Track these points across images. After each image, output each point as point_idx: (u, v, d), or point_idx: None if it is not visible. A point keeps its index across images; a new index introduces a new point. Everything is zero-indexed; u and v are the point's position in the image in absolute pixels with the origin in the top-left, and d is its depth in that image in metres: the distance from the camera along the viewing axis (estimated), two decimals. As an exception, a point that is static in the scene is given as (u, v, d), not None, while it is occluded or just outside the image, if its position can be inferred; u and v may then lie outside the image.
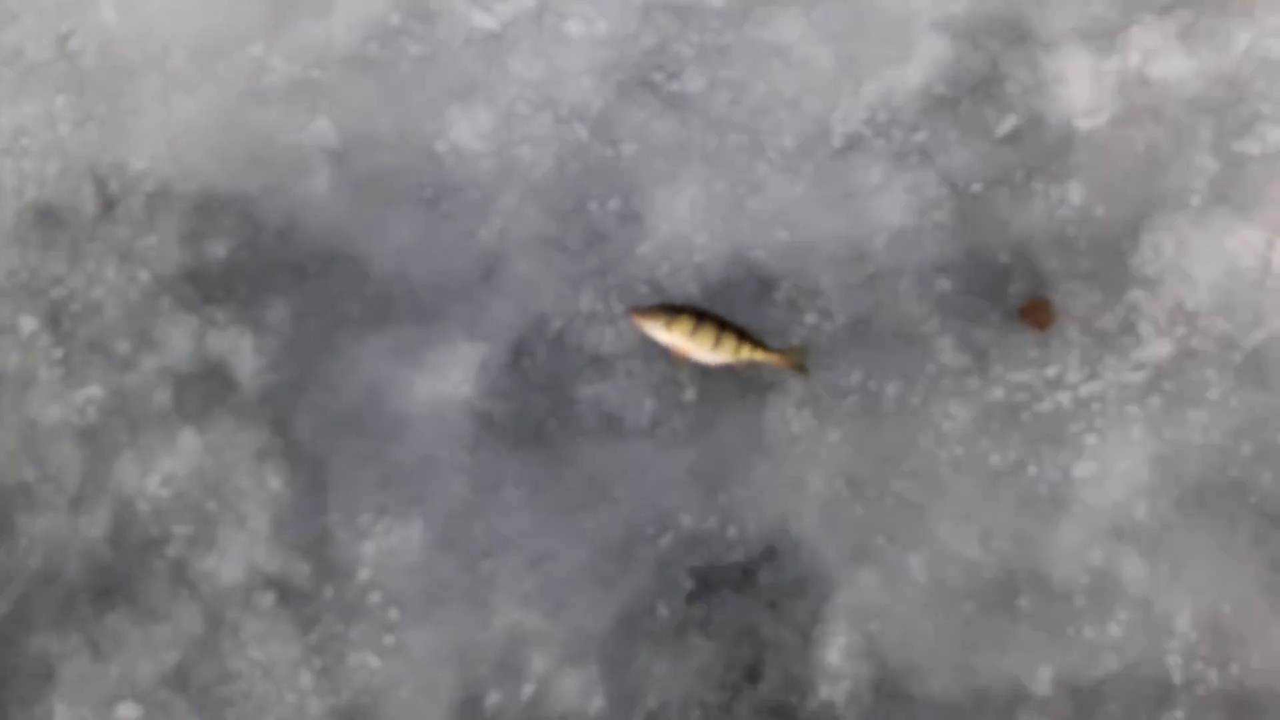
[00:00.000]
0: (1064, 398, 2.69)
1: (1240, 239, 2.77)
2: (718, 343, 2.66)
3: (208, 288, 2.87)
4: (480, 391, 2.77)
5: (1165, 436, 2.66)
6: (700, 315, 2.67)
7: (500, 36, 3.01)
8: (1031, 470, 2.66)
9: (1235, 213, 2.79)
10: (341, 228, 2.88)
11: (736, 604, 2.63)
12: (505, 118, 2.95)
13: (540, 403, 2.76)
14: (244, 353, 2.82)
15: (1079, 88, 2.90)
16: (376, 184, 2.91)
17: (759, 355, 2.67)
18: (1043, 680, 2.55)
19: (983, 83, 2.92)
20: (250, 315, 2.85)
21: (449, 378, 2.78)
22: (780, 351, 2.68)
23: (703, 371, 2.73)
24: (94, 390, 2.83)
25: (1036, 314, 2.75)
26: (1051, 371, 2.71)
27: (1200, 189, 2.81)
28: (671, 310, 2.68)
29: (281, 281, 2.86)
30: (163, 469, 2.78)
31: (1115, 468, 2.65)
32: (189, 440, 2.79)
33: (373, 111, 2.96)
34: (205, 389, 2.81)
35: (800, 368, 2.69)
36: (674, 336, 2.66)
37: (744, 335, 2.67)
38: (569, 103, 2.95)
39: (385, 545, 2.72)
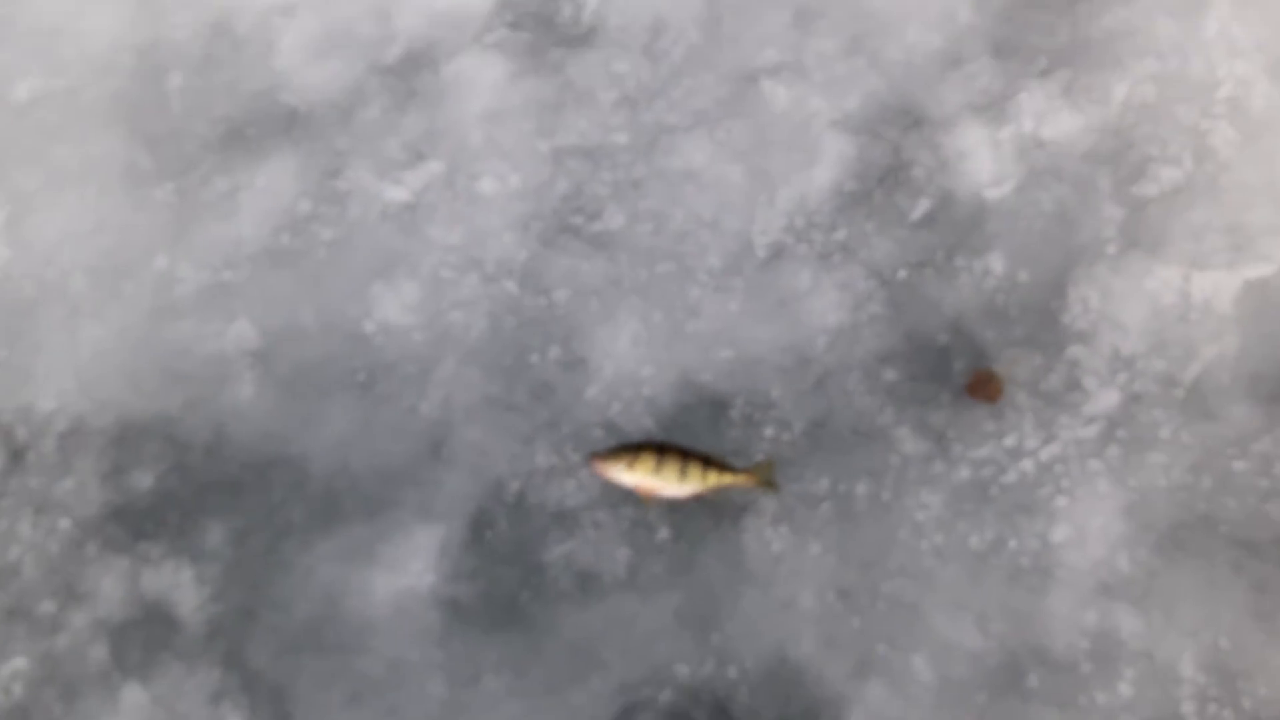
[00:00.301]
0: (1027, 465, 2.72)
1: (1158, 279, 2.84)
2: (684, 474, 2.64)
3: (136, 523, 2.77)
4: (444, 577, 2.70)
5: (1130, 484, 2.69)
6: (661, 449, 2.66)
7: (414, 206, 3.00)
8: (1011, 544, 2.67)
9: (1148, 254, 2.87)
10: (274, 431, 2.82)
11: (752, 740, 2.58)
12: (431, 286, 2.93)
13: (509, 576, 2.70)
14: (184, 587, 2.72)
15: (980, 161, 2.98)
16: (305, 378, 2.87)
17: (727, 478, 2.65)
18: (1067, 755, 2.53)
19: (889, 172, 2.99)
20: (186, 544, 2.74)
21: (408, 569, 2.71)
22: (747, 471, 2.67)
23: (672, 507, 2.71)
24: (18, 663, 2.68)
25: (984, 387, 2.78)
26: (1010, 441, 2.74)
27: (1112, 237, 2.88)
28: (632, 450, 2.66)
29: (216, 501, 2.78)
30: (110, 734, 2.64)
31: (1090, 525, 2.67)
32: (134, 696, 2.64)
33: (292, 304, 2.92)
34: (145, 635, 2.68)
35: (770, 483, 2.68)
36: (638, 476, 2.64)
37: (709, 461, 2.66)
38: (494, 260, 2.95)
39: (371, 761, 2.62)
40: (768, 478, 2.68)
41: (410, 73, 3.16)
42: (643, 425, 2.80)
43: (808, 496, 2.73)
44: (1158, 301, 2.83)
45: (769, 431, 2.78)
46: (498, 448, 2.79)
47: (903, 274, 2.89)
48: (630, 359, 2.86)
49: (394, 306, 2.92)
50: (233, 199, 3.04)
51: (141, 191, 3.08)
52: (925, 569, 2.66)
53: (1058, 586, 2.64)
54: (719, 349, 2.85)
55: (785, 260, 2.93)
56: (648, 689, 2.61)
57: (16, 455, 2.82)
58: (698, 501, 2.68)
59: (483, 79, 3.14)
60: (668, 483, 2.64)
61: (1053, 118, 3.00)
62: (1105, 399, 2.76)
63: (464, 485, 2.76)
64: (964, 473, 2.73)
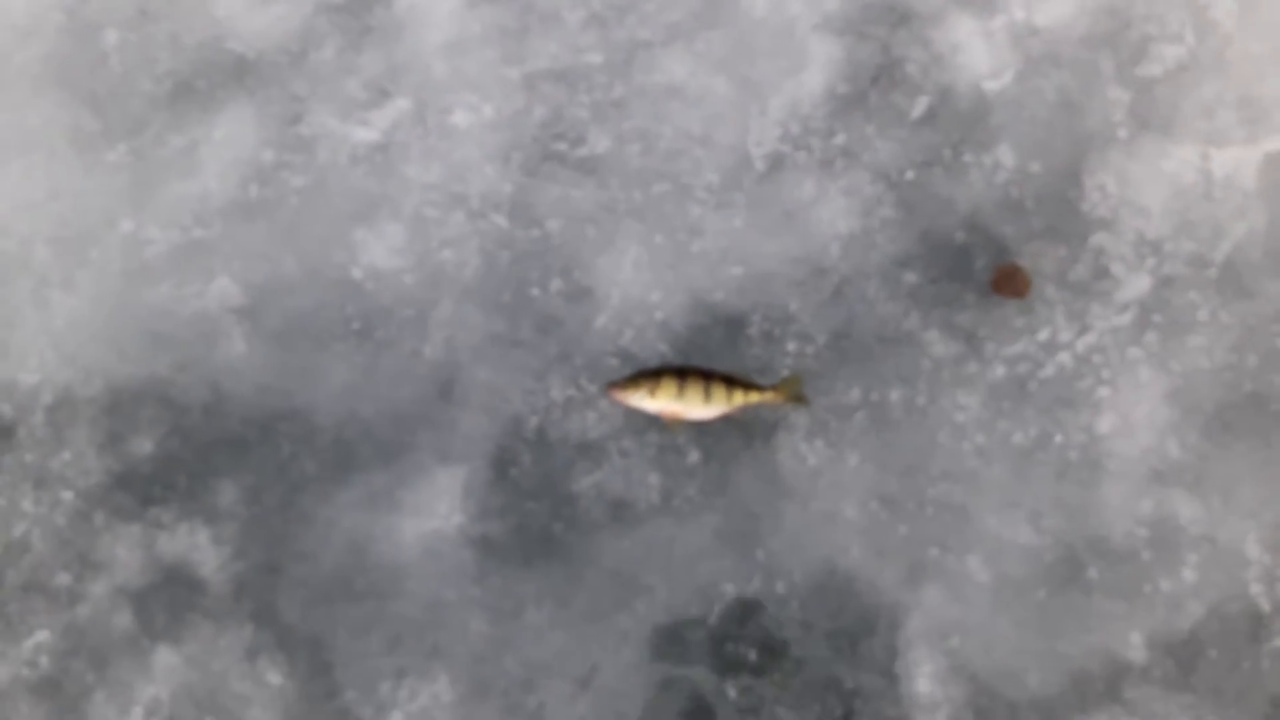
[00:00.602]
0: (1064, 358, 2.61)
1: (1175, 159, 2.75)
2: (708, 396, 2.50)
3: (143, 489, 2.58)
4: (472, 517, 2.54)
5: (1172, 369, 2.60)
6: (682, 373, 2.51)
7: (385, 146, 2.82)
8: (1057, 439, 2.56)
9: (1161, 135, 2.77)
10: (273, 385, 2.64)
11: (808, 662, 2.44)
12: (416, 227, 2.75)
13: (539, 510, 2.55)
14: (202, 549, 2.54)
15: (975, 53, 2.87)
16: (298, 330, 2.68)
17: (754, 397, 2.51)
18: (1136, 646, 2.43)
19: (882, 71, 2.86)
20: (199, 506, 2.57)
21: (435, 512, 2.55)
22: (774, 388, 2.53)
23: (700, 430, 2.56)
24: (41, 636, 2.51)
25: (1010, 282, 2.67)
26: (1043, 335, 2.63)
27: (1121, 120, 2.79)
28: (651, 375, 2.51)
29: (223, 461, 2.60)
30: (144, 699, 2.47)
31: (1135, 413, 2.57)
32: (166, 659, 2.49)
33: (273, 256, 2.73)
34: (169, 599, 2.52)
35: (799, 398, 2.54)
36: (661, 402, 2.49)
37: (732, 381, 2.51)
38: (478, 195, 2.78)
39: (414, 710, 2.46)
40: (796, 392, 2.55)
41: (361, 9, 2.97)
42: (658, 350, 2.65)
43: (840, 408, 2.60)
44: (1178, 182, 2.73)
45: (791, 346, 2.65)
46: (510, 385, 2.62)
47: (910, 174, 2.77)
48: (636, 284, 2.70)
49: (380, 250, 2.74)
50: (192, 155, 2.83)
51: (92, 155, 2.86)
52: (970, 470, 2.54)
53: (1109, 478, 2.53)
54: (728, 266, 2.71)
55: (786, 170, 2.79)
56: (695, 608, 2.47)
57: (5, 432, 2.61)
58: (725, 422, 2.54)
59: (439, 9, 2.95)
60: (692, 406, 2.49)
61: (1043, 3, 2.90)
62: (1136, 285, 2.66)
63: (480, 425, 2.59)
64: (999, 371, 2.61)
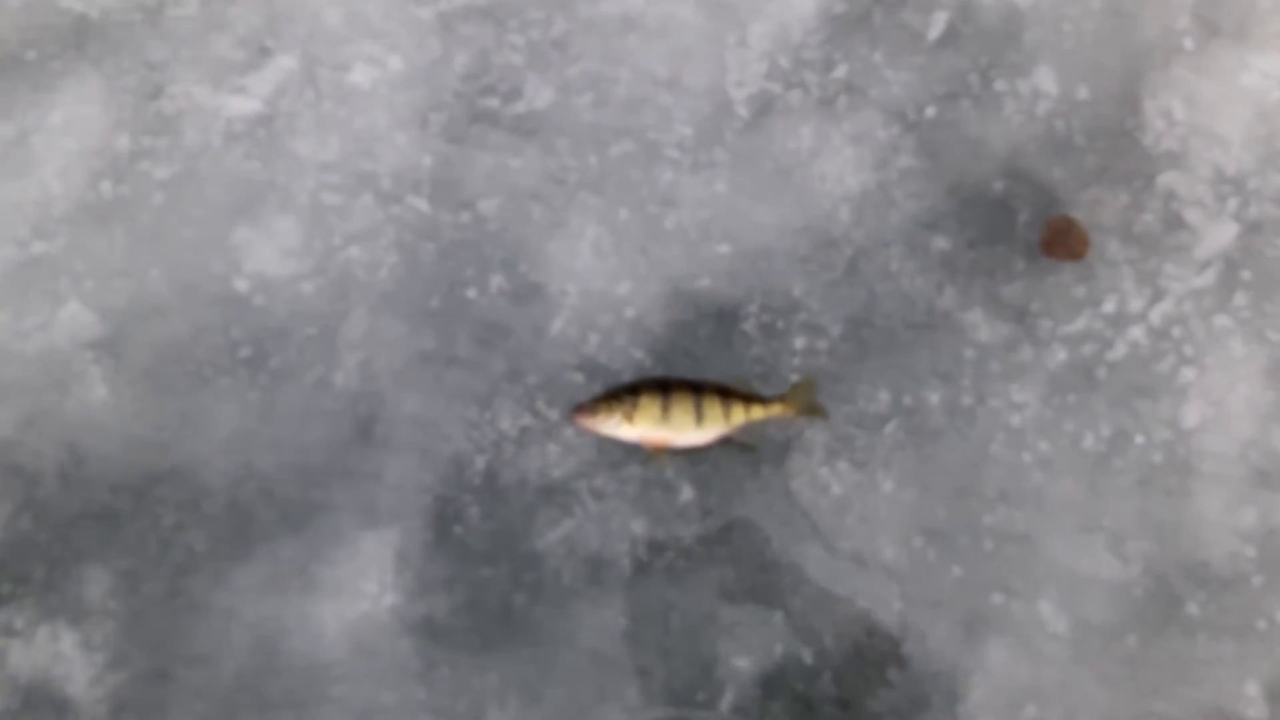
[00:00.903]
0: (1137, 334, 2.09)
1: (1255, 71, 2.22)
2: (700, 415, 1.97)
3: (-11, 585, 2.02)
4: (409, 594, 2.01)
5: (1271, 339, 2.09)
6: (665, 387, 1.99)
7: (269, 118, 2.23)
8: (1137, 439, 2.05)
9: (1235, 42, 2.24)
10: (146, 438, 2.07)
11: (850, 745, 1.94)
12: (313, 219, 2.17)
13: (495, 579, 2.02)
14: (69, 658, 1.99)
15: (999, -47, 2.30)
16: (172, 364, 2.11)
17: (757, 412, 1.99)
18: (1254, 699, 1.95)
19: (886, -17, 2.29)
20: (61, 603, 2.02)
21: (362, 591, 2.01)
22: (782, 398, 2.01)
23: (692, 459, 2.03)
24: None
25: (1064, 241, 2.13)
26: (1109, 306, 2.11)
27: (1186, 28, 2.24)
28: (627, 394, 1.99)
29: (88, 541, 2.04)
30: None
31: (1230, 399, 2.06)
32: None
33: (135, 272, 2.15)
34: (31, 725, 1.97)
35: (814, 409, 2.02)
36: (641, 427, 1.97)
37: (729, 394, 1.99)
38: (389, 172, 2.19)
39: (356, 841, 1.93)
40: (809, 402, 2.02)
41: (232, -55, 2.35)
42: (632, 359, 2.10)
43: (866, 418, 2.07)
44: (1261, 101, 2.20)
45: (799, 342, 2.10)
46: (446, 417, 2.07)
47: (931, 111, 2.22)
48: (599, 275, 2.14)
49: (269, 253, 2.15)
50: (23, 148, 2.22)
51: (-112, 153, 2.25)
52: (1033, 488, 2.03)
53: (1203, 483, 2.03)
54: (712, 244, 2.16)
55: (776, 116, 2.22)
56: (703, 692, 1.95)
57: None
58: (724, 447, 2.02)
59: (329, -60, 2.35)
60: (681, 429, 1.97)
61: (1081, -114, 2.33)
62: (1218, 234, 2.14)
63: (411, 472, 2.05)
64: (1059, 355, 2.09)
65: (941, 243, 2.14)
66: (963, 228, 2.15)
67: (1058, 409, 2.06)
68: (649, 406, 1.97)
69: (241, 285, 2.14)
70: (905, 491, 2.03)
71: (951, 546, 2.00)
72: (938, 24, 2.26)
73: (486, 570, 2.01)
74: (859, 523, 2.02)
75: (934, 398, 2.07)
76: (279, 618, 1.99)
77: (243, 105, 2.24)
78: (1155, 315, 2.10)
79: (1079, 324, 2.10)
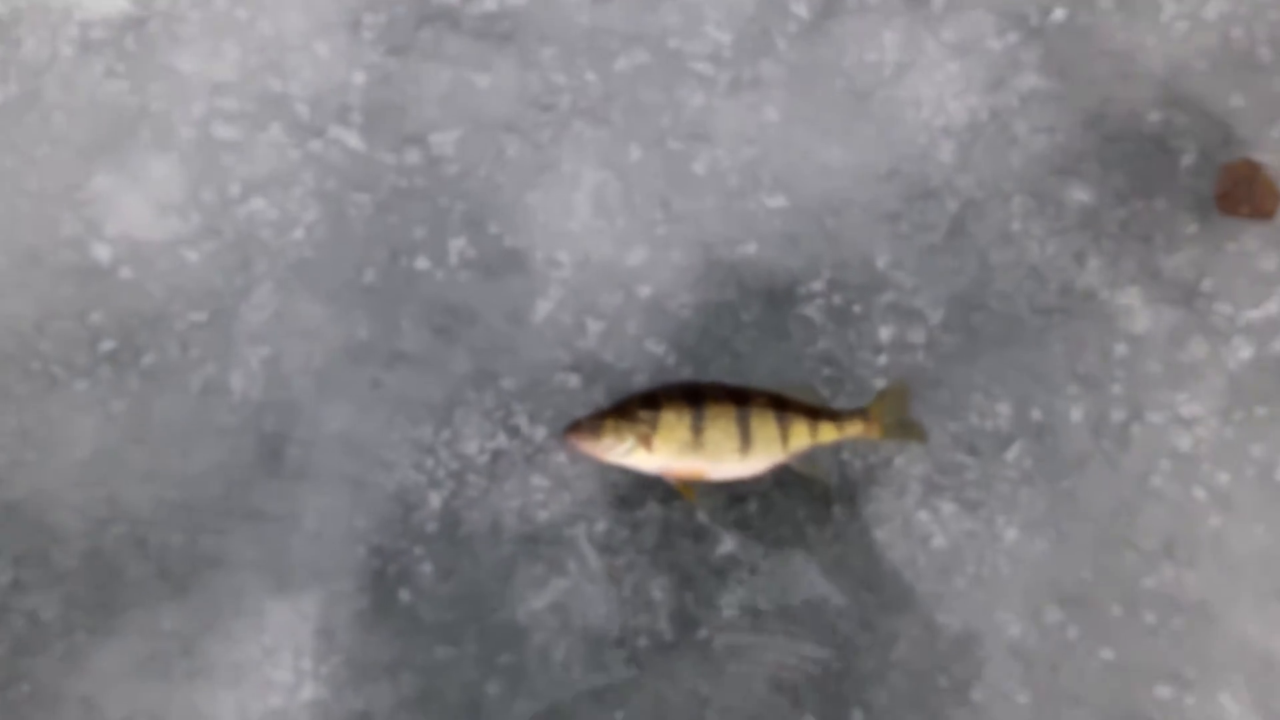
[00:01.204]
0: (1350, 320, 1.51)
1: None
2: (747, 438, 1.38)
3: None
4: (337, 683, 1.43)
5: None
6: (696, 398, 1.40)
7: (142, 20, 1.61)
8: (1357, 468, 1.46)
9: None
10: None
11: None
12: (202, 160, 1.56)
13: (458, 661, 1.44)
14: None
15: None
16: (8, 362, 1.51)
17: (827, 433, 1.40)
18: None
19: None
20: None
21: (270, 679, 1.43)
22: (861, 414, 1.41)
23: (732, 494, 1.44)
24: None
25: (1248, 195, 1.55)
26: (1310, 282, 1.52)
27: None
28: (644, 407, 1.39)
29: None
30: None
31: None
32: None
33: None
34: None
35: (906, 428, 1.43)
36: (664, 454, 1.39)
37: (785, 406, 1.39)
38: (307, 95, 1.59)
39: None
40: (899, 418, 1.43)
41: None
42: (649, 356, 1.51)
43: (979, 439, 1.48)
44: None
45: (884, 332, 1.51)
46: (387, 437, 1.48)
47: (1060, 12, 1.62)
48: (601, 239, 1.55)
49: (140, 208, 1.55)
50: None
51: None
52: (1209, 536, 1.45)
53: None
54: (760, 194, 1.56)
55: (848, 16, 1.63)
56: None
57: None
58: (780, 478, 1.43)
59: None
60: (720, 458, 1.39)
61: None
62: None
63: (340, 514, 1.46)
64: (1242, 352, 1.51)
65: (1080, 195, 1.55)
66: (1107, 174, 1.56)
67: (1241, 426, 1.47)
68: (674, 425, 1.38)
69: (102, 253, 1.53)
70: (1034, 543, 1.44)
71: (1099, 619, 1.42)
72: (1061, -109, 1.65)
73: (445, 651, 1.43)
74: (971, 587, 1.43)
75: (1073, 411, 1.48)
76: (157, 713, 1.40)
77: (105, 5, 1.61)
78: (1376, 292, 1.51)
79: (1269, 308, 1.51)
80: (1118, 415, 1.48)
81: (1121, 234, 1.53)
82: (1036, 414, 1.48)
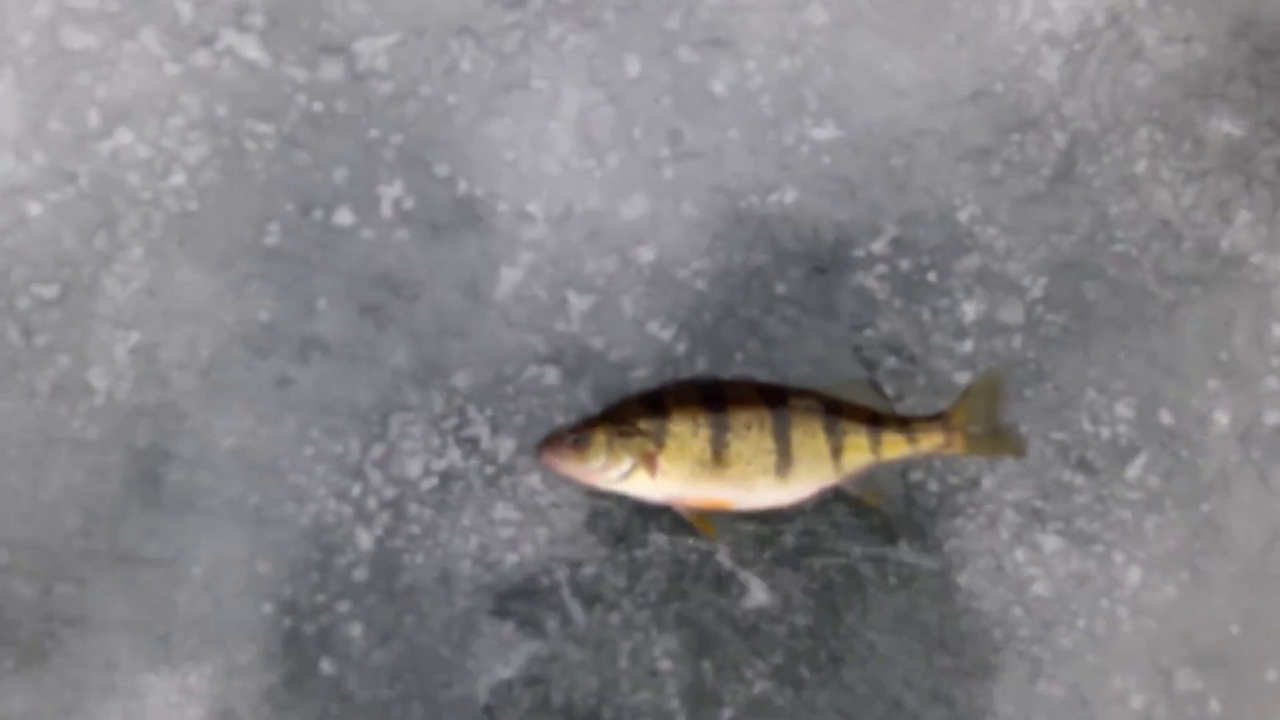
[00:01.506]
0: None
1: None
2: (787, 453, 1.10)
3: None
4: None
5: None
6: (716, 399, 1.11)
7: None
8: None
9: None
10: None
11: None
12: (47, 81, 1.18)
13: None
14: None
15: None
16: None
17: (893, 445, 1.12)
18: None
19: None
20: None
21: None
22: (939, 420, 1.12)
23: (762, 527, 1.12)
24: None
25: None
26: None
27: None
28: (646, 414, 1.10)
29: None
30: None
31: None
32: None
33: None
34: None
35: (998, 438, 1.12)
36: (674, 476, 1.10)
37: (834, 410, 1.11)
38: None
39: None
40: (989, 425, 1.11)
41: None
42: (653, 341, 1.18)
43: (1093, 450, 1.15)
44: None
45: (970, 307, 1.18)
46: (298, 453, 1.15)
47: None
48: (586, 184, 1.19)
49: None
50: None
51: None
52: None
53: None
54: (801, 123, 1.23)
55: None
56: None
57: None
58: (828, 505, 1.12)
59: None
60: (748, 482, 1.12)
61: None
62: None
63: (237, 558, 1.14)
64: None
65: (1225, 126, 1.23)
66: (1262, 99, 1.24)
67: None
68: (687, 438, 1.09)
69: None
70: (1163, 587, 1.15)
71: (1248, 686, 1.14)
72: None
73: (387, 745, 1.09)
74: (1081, 646, 1.14)
75: (1218, 415, 1.15)
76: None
77: None
78: None
79: None
80: (1272, 418, 1.15)
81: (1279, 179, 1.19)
82: (1166, 417, 1.18)
